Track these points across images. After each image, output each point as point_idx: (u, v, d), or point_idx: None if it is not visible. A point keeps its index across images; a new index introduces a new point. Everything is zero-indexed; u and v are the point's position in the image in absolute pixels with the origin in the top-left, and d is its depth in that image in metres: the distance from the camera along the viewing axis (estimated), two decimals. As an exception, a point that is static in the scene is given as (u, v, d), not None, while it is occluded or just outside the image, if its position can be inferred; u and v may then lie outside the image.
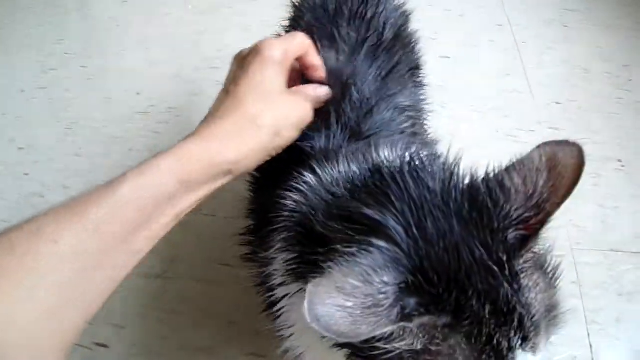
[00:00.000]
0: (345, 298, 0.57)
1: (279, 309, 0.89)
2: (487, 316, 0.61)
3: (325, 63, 1.00)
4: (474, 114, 1.88)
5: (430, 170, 0.75)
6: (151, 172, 0.71)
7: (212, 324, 1.41)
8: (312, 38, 0.99)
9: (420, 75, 1.26)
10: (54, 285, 0.62)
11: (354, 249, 0.63)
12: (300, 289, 0.79)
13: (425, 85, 1.27)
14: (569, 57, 2.10)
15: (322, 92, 0.93)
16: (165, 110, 1.97)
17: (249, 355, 1.35)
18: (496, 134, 1.82)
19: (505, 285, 0.62)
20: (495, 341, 0.61)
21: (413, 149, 0.90)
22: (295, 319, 0.87)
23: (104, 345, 1.39)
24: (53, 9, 2.46)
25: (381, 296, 0.58)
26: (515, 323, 0.62)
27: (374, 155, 0.87)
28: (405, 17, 1.27)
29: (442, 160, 0.81)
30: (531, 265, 0.67)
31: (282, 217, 0.85)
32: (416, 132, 1.09)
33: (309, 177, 0.85)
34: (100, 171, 1.78)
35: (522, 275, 0.65)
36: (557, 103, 1.93)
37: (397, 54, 1.12)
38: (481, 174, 0.72)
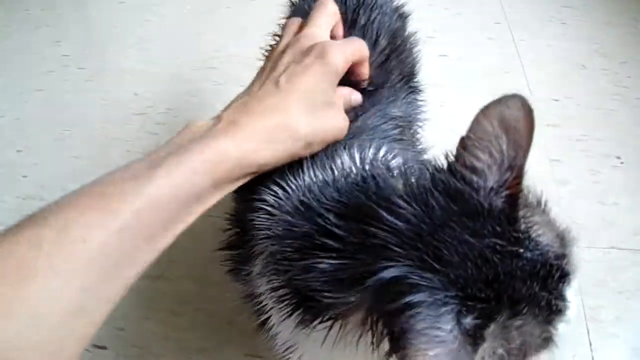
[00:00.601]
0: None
1: (275, 333, 0.87)
2: (533, 289, 0.62)
3: None
4: (472, 112, 1.86)
5: (400, 175, 0.76)
6: (185, 171, 0.68)
7: (211, 325, 1.41)
8: None
9: (415, 82, 1.24)
10: (81, 286, 0.61)
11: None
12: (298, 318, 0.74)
13: (421, 91, 1.25)
14: (567, 54, 2.10)
15: (357, 99, 0.92)
16: (163, 111, 1.97)
17: (248, 355, 1.34)
18: (494, 132, 1.81)
19: (528, 252, 0.63)
20: (552, 301, 0.63)
21: (391, 155, 0.89)
22: (290, 338, 0.84)
23: (103, 347, 1.39)
24: (50, 11, 2.46)
25: (452, 346, 0.57)
26: (555, 274, 0.63)
27: (339, 161, 0.84)
28: (402, 20, 1.25)
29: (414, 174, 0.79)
30: (528, 210, 0.67)
31: (257, 236, 0.83)
32: (402, 139, 1.05)
33: (276, 191, 0.83)
34: (99, 173, 1.75)
35: (531, 230, 0.65)
36: (555, 100, 1.93)
37: (390, 63, 1.10)
38: (445, 169, 0.71)
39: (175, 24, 2.34)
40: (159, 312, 1.45)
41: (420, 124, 1.22)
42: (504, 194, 0.66)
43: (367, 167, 0.82)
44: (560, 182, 1.67)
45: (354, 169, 0.82)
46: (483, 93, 1.93)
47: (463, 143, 0.69)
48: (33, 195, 1.76)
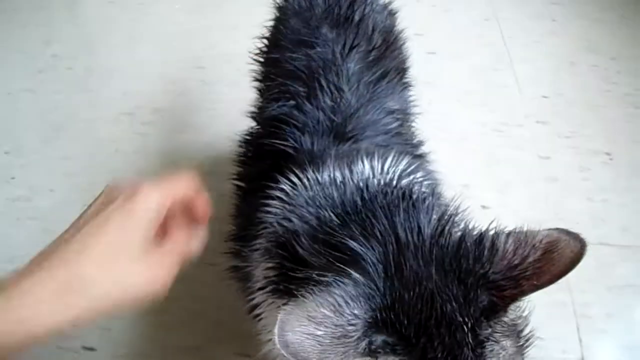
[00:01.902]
0: (315, 327, 0.58)
1: (259, 313, 0.89)
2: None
3: (311, 64, 1.01)
4: (461, 109, 1.88)
5: (426, 210, 0.74)
6: None
7: (200, 324, 1.41)
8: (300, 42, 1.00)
9: (408, 77, 1.26)
10: None
11: (330, 278, 0.64)
12: (276, 303, 0.79)
13: (412, 86, 1.26)
14: (556, 51, 2.11)
15: (196, 246, 0.78)
16: (151, 111, 1.96)
17: (237, 354, 1.35)
18: (483, 129, 1.82)
19: (468, 349, 0.62)
20: None
21: (411, 170, 0.90)
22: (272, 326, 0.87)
23: (91, 349, 1.39)
24: (39, 11, 2.45)
25: (350, 327, 0.59)
26: None
27: (360, 167, 0.86)
28: (392, 17, 1.27)
29: (440, 202, 0.80)
30: (502, 331, 0.66)
31: (263, 224, 0.85)
32: (401, 133, 1.09)
33: (292, 186, 0.85)
34: (87, 173, 1.77)
35: (487, 343, 0.64)
36: (545, 97, 1.93)
37: (386, 59, 1.12)
38: (477, 227, 0.71)
39: (165, 23, 2.33)
40: (147, 312, 1.44)
41: (413, 118, 1.24)
42: (493, 297, 0.65)
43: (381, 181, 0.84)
44: (549, 179, 1.67)
45: (371, 179, 0.84)
46: (471, 90, 1.95)
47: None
48: (22, 196, 1.75)
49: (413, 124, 1.23)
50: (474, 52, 2.11)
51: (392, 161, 0.89)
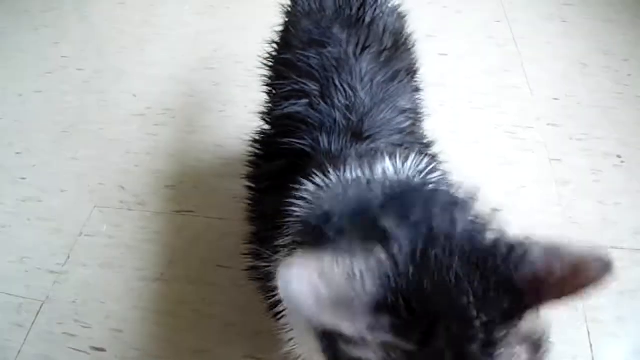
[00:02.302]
0: (323, 285, 0.57)
1: (280, 312, 0.89)
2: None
3: (324, 63, 1.01)
4: (472, 111, 1.87)
5: (463, 208, 0.74)
6: None
7: (209, 326, 1.41)
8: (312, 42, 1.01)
9: (418, 79, 1.26)
10: None
11: (356, 248, 0.64)
12: None
13: (422, 88, 1.27)
14: (568, 52, 2.09)
15: None
16: (161, 111, 1.97)
17: (247, 357, 1.34)
18: (495, 131, 1.81)
19: (476, 346, 0.61)
20: None
21: (433, 169, 0.91)
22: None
23: (102, 350, 1.39)
24: (49, 12, 2.46)
25: (357, 300, 0.59)
26: None
27: (384, 165, 0.86)
28: (401, 20, 1.27)
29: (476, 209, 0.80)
30: (516, 337, 0.65)
31: (288, 226, 0.84)
32: (414, 132, 1.10)
33: (316, 184, 0.85)
34: (97, 174, 1.78)
35: (499, 346, 0.63)
36: (556, 99, 1.92)
37: (397, 60, 1.12)
38: (511, 234, 0.70)
39: (175, 24, 2.34)
40: (157, 314, 1.44)
41: (424, 118, 1.24)
42: (513, 302, 0.64)
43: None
44: (560, 182, 1.66)
45: (397, 178, 0.84)
46: (483, 92, 1.94)
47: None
48: (32, 197, 1.76)
49: (423, 124, 1.24)
50: (486, 54, 2.10)
51: (414, 161, 0.89)
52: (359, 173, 0.85)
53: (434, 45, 2.06)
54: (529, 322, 0.66)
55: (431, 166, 0.91)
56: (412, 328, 0.60)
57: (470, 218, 0.72)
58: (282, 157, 1.03)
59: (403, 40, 1.22)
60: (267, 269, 0.91)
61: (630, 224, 1.57)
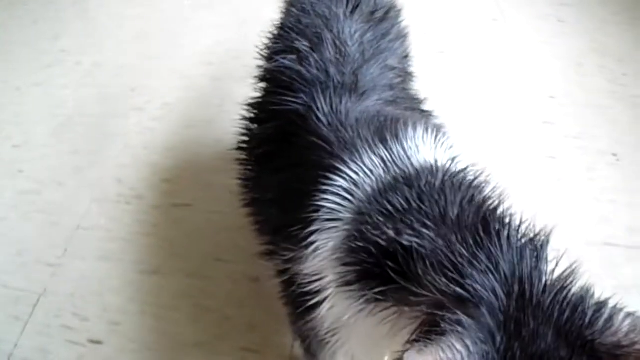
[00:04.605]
0: None
1: (322, 314, 0.87)
2: None
3: (315, 21, 1.07)
4: (469, 110, 1.88)
5: (539, 252, 0.73)
6: None
7: (207, 319, 1.41)
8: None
9: (407, 45, 1.28)
10: None
11: (459, 317, 0.63)
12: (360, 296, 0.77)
13: (411, 55, 1.29)
14: (564, 52, 2.10)
15: None
16: (160, 106, 1.97)
17: (243, 350, 1.35)
18: (490, 128, 1.82)
19: None
20: None
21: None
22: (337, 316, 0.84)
23: (99, 342, 1.39)
24: (48, 6, 2.47)
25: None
26: None
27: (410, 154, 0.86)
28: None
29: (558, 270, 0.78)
30: None
31: (320, 219, 0.82)
32: (405, 88, 1.13)
33: (347, 179, 0.83)
34: (96, 167, 1.78)
35: None
36: (552, 97, 1.93)
37: (386, 21, 1.16)
38: (595, 292, 0.70)
39: (174, 19, 2.34)
40: (155, 306, 1.45)
41: (413, 78, 1.28)
42: None
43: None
44: (556, 179, 1.67)
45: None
46: (479, 90, 1.94)
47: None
48: (31, 190, 1.76)
49: (413, 84, 1.27)
50: (482, 52, 2.11)
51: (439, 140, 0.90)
52: (387, 159, 0.84)
53: (432, 43, 2.07)
54: None
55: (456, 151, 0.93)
56: None
57: (552, 266, 0.71)
58: (275, 119, 1.03)
59: (393, 11, 1.25)
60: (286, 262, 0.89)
61: (625, 221, 1.58)
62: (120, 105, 1.99)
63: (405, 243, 0.73)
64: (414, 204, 0.77)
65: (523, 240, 0.73)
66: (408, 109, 1.08)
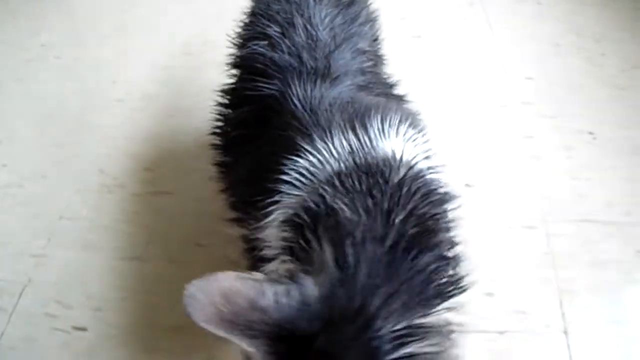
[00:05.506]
0: (223, 303, 0.62)
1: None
2: None
3: (285, 7, 1.10)
4: (446, 92, 1.89)
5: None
6: None
7: (188, 303, 1.42)
8: None
9: (377, 28, 1.30)
10: None
11: (294, 271, 0.67)
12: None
13: (380, 38, 1.31)
14: (542, 33, 2.12)
15: None
16: (140, 97, 1.98)
17: (225, 333, 1.36)
18: (468, 111, 1.83)
19: None
20: None
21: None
22: None
23: (83, 329, 1.40)
24: (29, 1, 2.46)
25: (256, 326, 0.61)
26: None
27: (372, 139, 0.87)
28: None
29: None
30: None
31: (279, 192, 0.85)
32: (377, 72, 1.15)
33: (307, 160, 0.85)
34: (78, 160, 1.79)
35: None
36: (529, 78, 1.95)
37: (356, 5, 1.18)
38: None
39: (153, 12, 2.35)
40: (137, 292, 1.46)
41: (383, 60, 1.30)
42: None
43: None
44: (534, 158, 1.69)
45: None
46: (456, 73, 1.95)
47: None
48: (13, 183, 1.77)
49: (384, 68, 1.28)
50: (459, 36, 2.13)
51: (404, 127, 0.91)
52: (351, 142, 0.86)
53: (408, 27, 2.09)
54: None
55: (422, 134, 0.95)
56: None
57: None
58: (249, 104, 1.05)
59: None
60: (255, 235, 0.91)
61: (602, 198, 1.60)
62: (101, 98, 2.00)
63: (335, 206, 0.76)
64: (364, 190, 0.79)
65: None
66: (381, 94, 1.10)
